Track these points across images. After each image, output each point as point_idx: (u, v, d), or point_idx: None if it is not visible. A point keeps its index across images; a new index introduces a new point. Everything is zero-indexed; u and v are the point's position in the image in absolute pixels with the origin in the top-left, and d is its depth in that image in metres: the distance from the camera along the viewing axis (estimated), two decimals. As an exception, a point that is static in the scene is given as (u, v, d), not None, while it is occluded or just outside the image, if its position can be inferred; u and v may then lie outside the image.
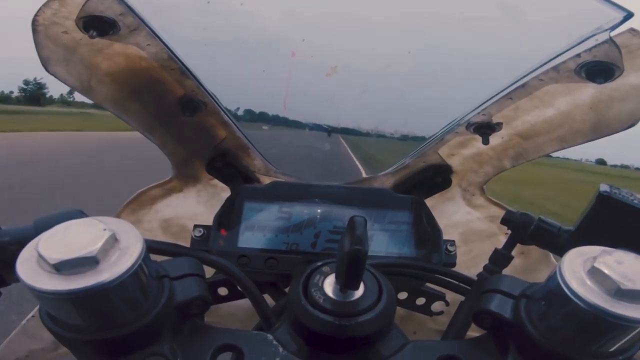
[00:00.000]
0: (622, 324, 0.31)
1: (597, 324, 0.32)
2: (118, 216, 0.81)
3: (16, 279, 0.32)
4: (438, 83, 0.79)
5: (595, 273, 0.33)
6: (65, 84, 0.62)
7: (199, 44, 0.68)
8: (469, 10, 0.65)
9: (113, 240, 0.33)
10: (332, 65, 0.71)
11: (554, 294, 0.35)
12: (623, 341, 0.33)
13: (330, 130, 0.86)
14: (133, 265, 0.33)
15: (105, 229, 0.33)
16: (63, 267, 0.31)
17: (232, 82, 0.77)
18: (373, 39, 0.73)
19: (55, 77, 0.60)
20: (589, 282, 0.33)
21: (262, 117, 0.86)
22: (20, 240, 0.42)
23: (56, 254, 0.31)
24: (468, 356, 0.41)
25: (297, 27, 0.69)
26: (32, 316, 0.71)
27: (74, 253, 0.31)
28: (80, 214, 0.46)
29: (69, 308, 0.32)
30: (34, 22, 0.54)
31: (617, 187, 0.53)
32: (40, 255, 0.31)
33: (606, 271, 0.32)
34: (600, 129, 0.67)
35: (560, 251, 0.58)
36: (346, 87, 0.77)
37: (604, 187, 0.52)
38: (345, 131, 0.89)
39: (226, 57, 0.74)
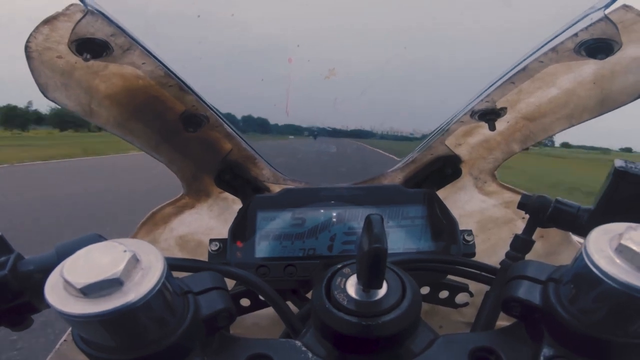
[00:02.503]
0: None
1: (630, 303, 0.31)
2: (134, 237, 0.81)
3: (46, 305, 0.32)
4: (437, 75, 0.79)
5: (623, 250, 0.32)
6: (66, 109, 0.62)
7: (195, 58, 0.68)
8: (462, -1, 0.65)
9: (134, 260, 0.33)
10: (330, 67, 0.71)
11: (583, 275, 0.34)
12: None
13: (317, 134, 0.86)
14: (157, 283, 0.33)
15: (125, 251, 0.33)
16: (89, 291, 0.31)
17: (231, 93, 0.77)
18: (368, 36, 0.73)
19: (56, 102, 0.60)
20: (617, 260, 0.32)
21: (263, 125, 0.86)
22: (45, 268, 0.44)
23: (81, 279, 0.31)
24: (501, 346, 0.40)
25: (291, 33, 0.69)
26: (65, 340, 0.71)
27: (99, 276, 0.31)
28: (98, 238, 0.46)
29: (99, 330, 0.32)
30: (27, 49, 0.54)
31: (631, 161, 0.52)
32: (66, 281, 0.31)
33: (634, 247, 0.32)
34: (606, 103, 0.67)
35: (581, 231, 0.57)
36: (346, 87, 0.76)
37: (619, 163, 0.51)
38: (352, 133, 0.89)
39: (223, 69, 0.74)
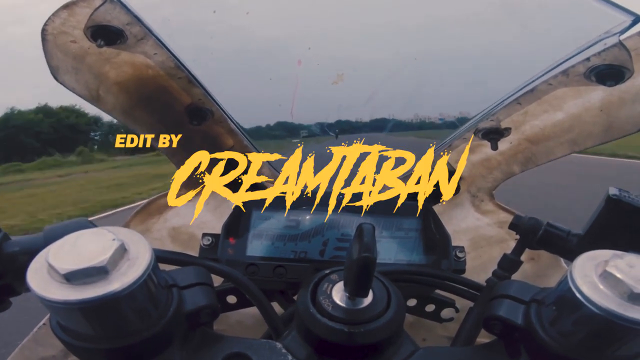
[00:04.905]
0: (636, 328, 0.31)
1: (610, 329, 0.32)
2: (127, 225, 0.82)
3: (27, 289, 0.32)
4: (445, 89, 0.79)
5: (607, 277, 0.33)
6: (74, 93, 0.63)
7: (206, 53, 0.69)
8: (476, 15, 0.65)
9: (122, 250, 0.33)
10: (339, 72, 0.71)
11: (566, 298, 0.34)
12: (637, 345, 0.33)
13: (338, 134, 0.85)
14: (142, 275, 0.33)
15: (114, 239, 0.33)
16: (73, 277, 0.31)
17: (238, 90, 0.78)
18: (379, 46, 0.73)
19: (64, 86, 0.61)
20: (601, 286, 0.33)
21: (268, 126, 0.86)
22: (30, 251, 0.43)
23: (66, 264, 0.31)
24: None
25: (303, 35, 0.69)
26: (44, 324, 0.71)
27: (84, 263, 0.31)
28: (89, 224, 0.46)
29: (79, 317, 0.32)
30: (43, 32, 0.55)
31: (626, 190, 0.52)
32: (50, 266, 0.31)
33: (618, 275, 0.32)
34: (611, 131, 0.67)
35: (570, 256, 0.58)
36: (352, 94, 0.77)
37: (613, 191, 0.51)
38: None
39: (232, 66, 0.75)
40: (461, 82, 0.78)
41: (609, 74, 0.59)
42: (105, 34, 0.57)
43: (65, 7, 0.54)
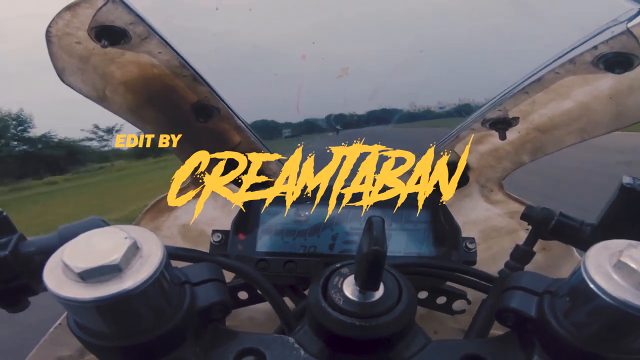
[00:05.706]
0: None
1: (624, 320, 0.32)
2: (138, 223, 0.83)
3: (44, 288, 0.33)
4: (452, 80, 0.78)
5: (621, 267, 0.32)
6: (81, 94, 0.63)
7: (210, 50, 0.69)
8: (482, 4, 0.65)
9: (134, 248, 0.34)
10: (344, 66, 0.71)
11: (579, 289, 0.34)
12: None
13: (340, 129, 0.85)
14: (155, 272, 0.33)
15: (126, 237, 0.34)
16: (88, 276, 0.31)
17: (243, 86, 0.78)
18: (384, 38, 0.73)
19: (71, 87, 0.61)
20: (615, 277, 0.32)
21: (274, 122, 0.86)
22: (46, 250, 0.44)
23: (80, 263, 0.31)
24: (492, 355, 0.40)
25: (307, 29, 0.69)
26: (60, 324, 0.72)
27: (98, 262, 0.32)
28: (102, 223, 0.46)
29: (94, 315, 0.33)
30: (48, 34, 0.56)
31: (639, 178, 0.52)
32: (65, 265, 0.32)
33: (633, 265, 0.32)
34: (621, 119, 0.66)
35: (583, 246, 0.57)
36: (358, 87, 0.76)
37: (626, 179, 0.51)
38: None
39: (237, 63, 0.75)
40: (467, 72, 0.78)
41: (617, 61, 0.58)
42: (109, 34, 0.58)
43: (68, 8, 0.54)
